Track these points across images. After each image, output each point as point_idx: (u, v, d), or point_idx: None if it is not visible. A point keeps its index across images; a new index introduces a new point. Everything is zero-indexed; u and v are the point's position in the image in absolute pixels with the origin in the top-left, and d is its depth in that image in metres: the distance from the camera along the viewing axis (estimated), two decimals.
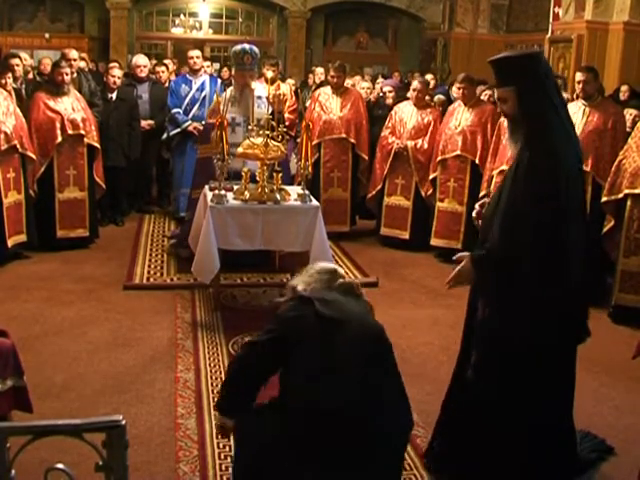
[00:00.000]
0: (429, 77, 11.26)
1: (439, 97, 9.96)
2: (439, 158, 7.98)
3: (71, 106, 7.84)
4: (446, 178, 8.00)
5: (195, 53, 9.47)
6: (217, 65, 16.36)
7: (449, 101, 9.68)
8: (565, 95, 8.99)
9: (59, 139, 7.74)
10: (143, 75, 9.70)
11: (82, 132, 7.88)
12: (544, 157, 3.45)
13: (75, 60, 8.79)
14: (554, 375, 3.79)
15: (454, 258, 3.75)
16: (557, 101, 3.61)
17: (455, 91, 9.10)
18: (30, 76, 9.94)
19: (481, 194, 7.23)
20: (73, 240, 8.04)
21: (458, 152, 7.83)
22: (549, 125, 3.51)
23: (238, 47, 7.17)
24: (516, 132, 3.60)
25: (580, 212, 3.66)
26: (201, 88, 9.20)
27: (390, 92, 9.66)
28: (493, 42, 17.16)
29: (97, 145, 8.12)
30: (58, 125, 7.72)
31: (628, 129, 7.05)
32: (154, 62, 12.35)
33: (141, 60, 9.86)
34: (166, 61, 11.03)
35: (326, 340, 3.07)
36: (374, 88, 10.70)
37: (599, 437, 4.33)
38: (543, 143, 3.47)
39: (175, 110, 9.09)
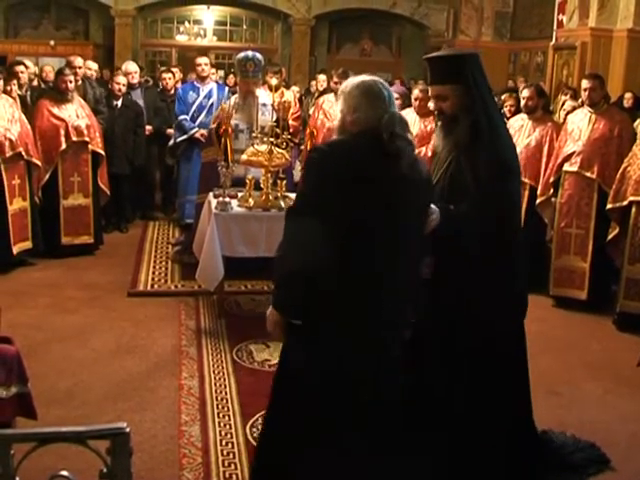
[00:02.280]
0: None
1: None
2: None
3: (75, 113, 7.86)
4: None
5: (203, 60, 9.49)
6: (222, 72, 16.38)
7: None
8: (573, 103, 9.00)
9: (63, 146, 7.76)
10: (134, 81, 9.75)
11: (86, 139, 7.89)
12: (503, 145, 3.63)
13: (80, 67, 8.82)
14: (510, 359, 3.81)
15: None
16: (492, 96, 3.82)
17: None
18: (35, 83, 9.98)
19: None
20: (78, 247, 8.05)
21: None
22: (494, 119, 3.66)
23: (242, 55, 7.18)
24: (453, 130, 3.64)
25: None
26: (208, 95, 9.21)
27: (397, 99, 9.58)
28: (497, 50, 17.19)
29: (101, 152, 8.13)
30: (62, 132, 7.73)
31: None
32: (162, 69, 12.39)
33: (131, 67, 9.91)
34: (174, 69, 11.03)
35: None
36: None
37: (599, 449, 4.30)
38: (495, 138, 3.59)
39: (182, 117, 9.11)
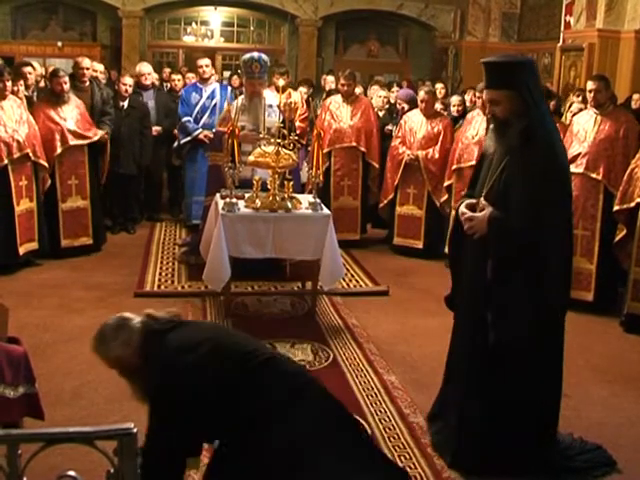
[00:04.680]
0: (439, 86, 11.19)
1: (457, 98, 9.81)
2: (454, 167, 7.93)
3: (71, 115, 7.85)
4: (461, 187, 7.88)
5: (204, 62, 9.51)
6: (227, 74, 16.38)
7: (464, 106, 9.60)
8: (579, 105, 8.98)
9: (58, 150, 7.73)
10: (148, 83, 9.77)
11: (84, 140, 7.90)
12: (558, 150, 3.86)
13: (88, 68, 8.83)
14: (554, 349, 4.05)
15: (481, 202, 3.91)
16: (545, 101, 4.07)
17: (470, 100, 9.03)
18: (41, 84, 9.99)
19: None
20: (78, 248, 8.04)
21: (473, 162, 7.78)
22: (548, 125, 3.86)
23: (247, 56, 7.17)
24: (505, 134, 3.82)
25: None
26: (211, 96, 9.24)
27: (403, 108, 9.45)
28: (504, 51, 17.14)
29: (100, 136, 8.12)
30: (58, 136, 7.70)
31: None
32: (169, 70, 12.40)
33: (145, 68, 9.92)
34: (190, 75, 10.99)
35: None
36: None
37: (606, 451, 4.29)
38: (549, 144, 3.80)
39: (186, 118, 9.14)
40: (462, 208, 3.95)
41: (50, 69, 10.53)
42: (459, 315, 4.33)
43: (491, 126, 4.06)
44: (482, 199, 3.91)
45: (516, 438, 4.01)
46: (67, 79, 7.90)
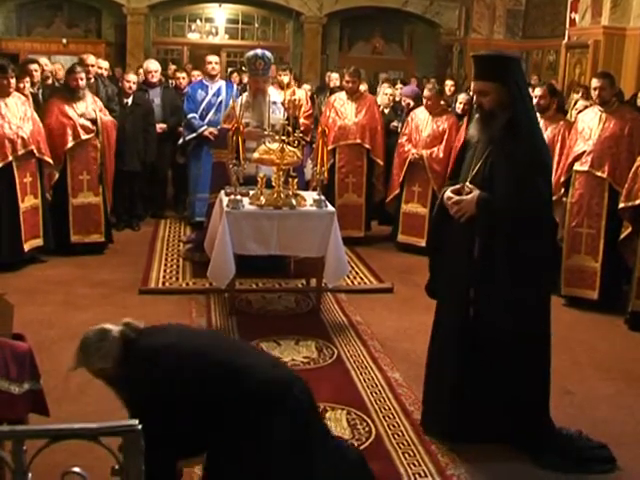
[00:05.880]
0: (449, 83, 11.15)
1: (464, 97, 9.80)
2: None
3: (86, 111, 7.84)
4: None
5: (214, 59, 9.51)
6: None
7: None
8: (584, 102, 8.96)
9: (69, 144, 7.72)
10: (155, 80, 9.76)
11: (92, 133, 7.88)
12: (540, 142, 4.07)
13: (93, 66, 8.84)
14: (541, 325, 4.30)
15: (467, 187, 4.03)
16: (530, 97, 4.38)
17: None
18: (49, 81, 10.00)
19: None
20: (87, 245, 8.04)
21: None
22: (533, 119, 4.11)
23: (251, 53, 7.18)
24: (490, 124, 3.98)
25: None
26: (217, 93, 9.24)
27: (408, 105, 9.49)
28: (509, 48, 17.12)
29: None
30: (70, 131, 7.70)
31: None
32: (174, 68, 12.40)
33: (152, 65, 9.91)
34: (195, 72, 10.96)
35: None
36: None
37: (609, 449, 4.29)
38: (532, 136, 3.98)
39: (191, 115, 9.14)
40: (448, 193, 4.05)
41: (56, 66, 10.56)
42: (444, 304, 4.36)
43: (476, 116, 4.20)
44: (468, 183, 4.01)
45: (505, 426, 4.15)
46: (83, 75, 7.89)
